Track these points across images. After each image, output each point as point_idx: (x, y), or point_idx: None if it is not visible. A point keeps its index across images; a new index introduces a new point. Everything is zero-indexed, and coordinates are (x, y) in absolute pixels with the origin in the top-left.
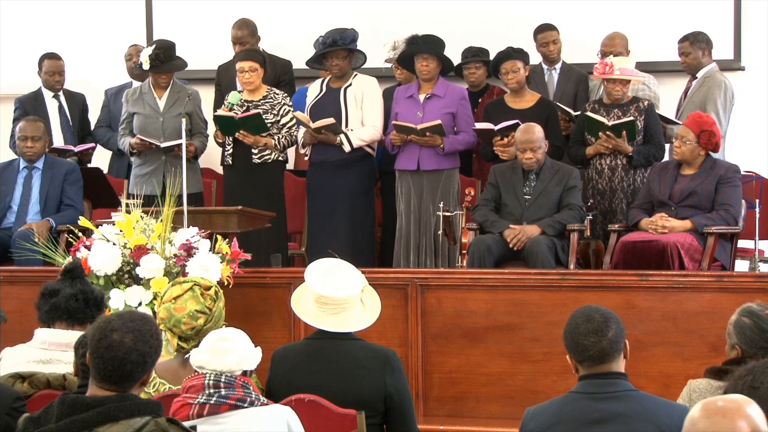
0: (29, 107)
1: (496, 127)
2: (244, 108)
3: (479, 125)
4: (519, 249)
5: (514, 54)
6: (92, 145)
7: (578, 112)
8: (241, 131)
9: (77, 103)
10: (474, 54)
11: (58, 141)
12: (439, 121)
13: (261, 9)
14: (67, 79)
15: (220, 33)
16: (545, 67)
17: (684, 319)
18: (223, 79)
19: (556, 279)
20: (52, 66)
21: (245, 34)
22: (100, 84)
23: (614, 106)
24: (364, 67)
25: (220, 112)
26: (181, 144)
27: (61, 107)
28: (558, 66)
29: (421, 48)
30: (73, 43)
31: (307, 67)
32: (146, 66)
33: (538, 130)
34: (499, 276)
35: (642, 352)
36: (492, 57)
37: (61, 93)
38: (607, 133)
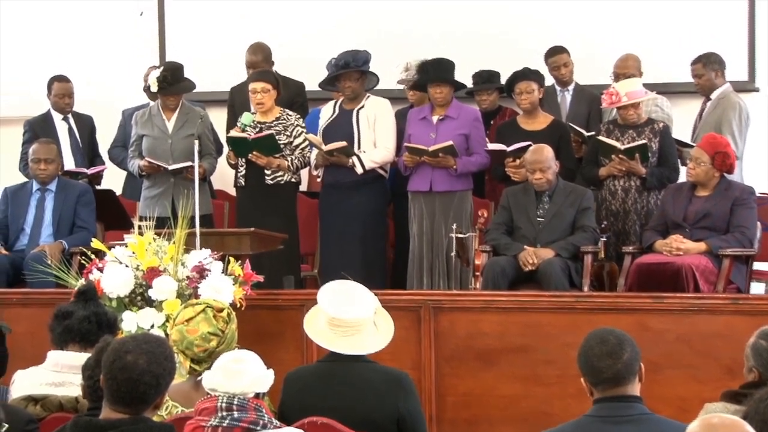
0: (39, 130)
1: (509, 149)
2: (257, 129)
3: (491, 146)
4: (533, 271)
5: (530, 75)
6: (103, 167)
7: (591, 133)
8: (254, 152)
9: (86, 124)
10: (485, 80)
11: (69, 163)
12: (450, 142)
13: (274, 30)
14: (77, 101)
15: (233, 54)
16: (558, 88)
17: (699, 342)
18: (236, 101)
19: (570, 301)
20: (61, 88)
21: (259, 60)
22: (111, 105)
23: (629, 127)
24: (376, 88)
25: (233, 133)
26: (189, 166)
27: (70, 129)
28: (571, 87)
29: (433, 77)
30: (84, 64)
31: (320, 89)
32: (154, 88)
33: (547, 151)
34: (513, 298)
35: (657, 374)
36: (503, 79)
37: (70, 115)
38: (620, 156)
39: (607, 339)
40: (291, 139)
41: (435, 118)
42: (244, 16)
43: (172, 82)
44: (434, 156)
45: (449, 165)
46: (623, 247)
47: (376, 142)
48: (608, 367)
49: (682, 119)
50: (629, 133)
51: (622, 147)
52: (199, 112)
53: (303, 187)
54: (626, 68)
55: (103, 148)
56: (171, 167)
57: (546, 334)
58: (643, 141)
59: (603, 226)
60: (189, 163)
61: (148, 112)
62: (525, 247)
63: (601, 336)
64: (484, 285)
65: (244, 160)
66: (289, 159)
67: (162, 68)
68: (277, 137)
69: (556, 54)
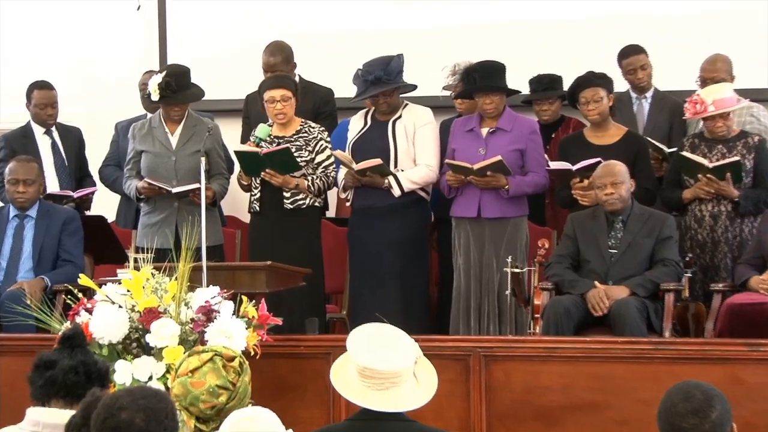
0: (17, 146)
1: (574, 167)
2: (275, 144)
3: (554, 165)
4: (603, 314)
5: (596, 80)
6: (92, 189)
7: (673, 149)
8: (267, 170)
9: (72, 139)
10: (546, 86)
11: (52, 184)
12: (499, 157)
13: (295, 28)
14: (63, 111)
15: (248, 55)
16: (633, 95)
17: None
18: (251, 111)
19: (647, 349)
20: (43, 97)
21: (278, 61)
22: (102, 116)
23: (718, 142)
24: (417, 95)
25: (243, 147)
26: (196, 188)
27: (54, 145)
28: (649, 94)
29: (480, 86)
30: (70, 68)
31: (349, 96)
32: (155, 96)
33: (621, 165)
34: (580, 345)
35: None
36: (566, 84)
37: (53, 128)
38: (708, 175)
39: (692, 394)
40: (313, 156)
41: (484, 131)
42: (260, 11)
43: (176, 89)
44: (482, 175)
45: (500, 185)
46: (712, 285)
47: (415, 158)
48: (693, 427)
49: None
50: (718, 148)
51: (710, 165)
52: (207, 123)
53: (329, 213)
54: (715, 71)
55: (93, 167)
56: (175, 190)
57: (619, 389)
58: (735, 158)
59: (687, 259)
60: (196, 185)
61: (147, 125)
62: (594, 284)
63: (686, 391)
64: (545, 329)
65: (258, 180)
66: (310, 179)
67: (164, 73)
68: (297, 153)
69: (631, 54)
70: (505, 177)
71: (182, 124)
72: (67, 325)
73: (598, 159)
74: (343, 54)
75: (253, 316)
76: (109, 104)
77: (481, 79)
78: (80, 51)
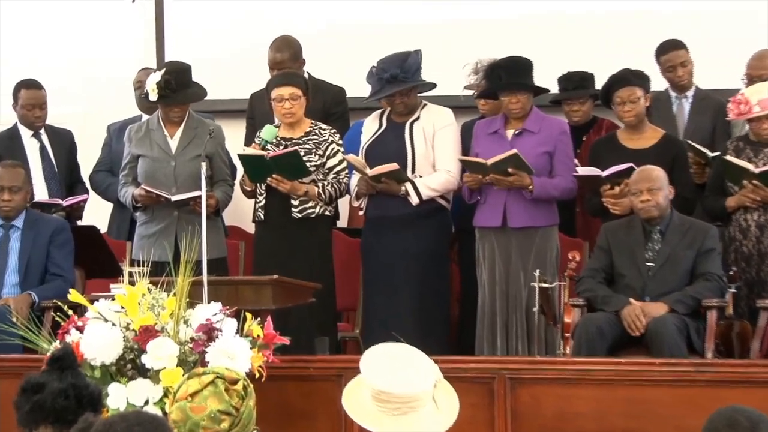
0: (2, 149)
1: (604, 173)
2: (282, 147)
3: (582, 170)
4: (640, 334)
5: (633, 79)
6: (84, 197)
7: (716, 153)
8: (273, 176)
9: (63, 142)
10: (576, 85)
11: (40, 191)
12: (514, 151)
13: (303, 22)
14: (53, 113)
15: (252, 52)
16: (673, 94)
17: None
18: (256, 111)
19: (688, 371)
20: (30, 97)
21: (286, 58)
22: (95, 117)
23: (764, 145)
24: (436, 94)
25: (248, 150)
26: (198, 196)
27: (43, 148)
28: (690, 93)
29: (506, 84)
30: (61, 66)
31: (361, 95)
32: (153, 96)
33: (658, 170)
34: (614, 367)
35: None
36: (598, 82)
37: (42, 130)
38: (754, 181)
39: (736, 420)
40: (324, 160)
41: (510, 133)
42: (264, 4)
43: (176, 88)
44: (503, 174)
45: (523, 185)
46: (758, 301)
47: (435, 163)
48: None
49: None
50: (765, 152)
51: (757, 170)
52: (209, 125)
53: (341, 223)
54: (762, 68)
55: (85, 173)
56: (174, 197)
57: (657, 415)
58: None
59: (732, 273)
60: (197, 193)
61: (145, 127)
62: (630, 300)
63: (730, 417)
64: (576, 350)
65: (263, 186)
66: (320, 185)
67: (163, 70)
68: (306, 157)
69: (671, 50)
70: (529, 176)
71: (182, 126)
72: (57, 344)
73: (631, 165)
74: (355, 50)
75: (258, 335)
76: (104, 105)
77: (507, 76)
78: (75, 49)
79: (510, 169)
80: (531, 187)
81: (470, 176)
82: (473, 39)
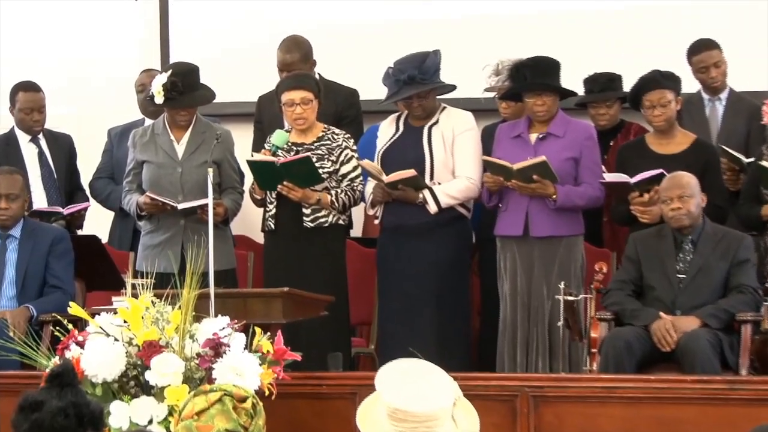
0: None
1: (633, 180)
2: (293, 153)
3: (609, 177)
4: (670, 349)
5: (663, 81)
6: (85, 205)
7: (751, 159)
8: (284, 183)
9: (62, 147)
10: (603, 87)
11: (39, 199)
12: (543, 158)
13: (313, 20)
14: (52, 116)
15: (261, 53)
16: (705, 96)
17: None
18: (264, 115)
19: (721, 389)
20: (28, 100)
21: (296, 59)
22: (97, 121)
23: None
24: (456, 97)
25: (258, 156)
26: (205, 205)
27: (41, 154)
28: (723, 95)
29: (531, 84)
30: (61, 67)
31: (375, 98)
32: (159, 99)
33: (689, 177)
34: (643, 384)
35: None
36: (626, 84)
37: (41, 135)
38: None
39: None
40: (337, 167)
41: (533, 137)
42: (272, 2)
43: (183, 90)
44: (526, 180)
45: (547, 193)
46: None
47: (454, 170)
48: None
49: None
50: None
51: None
52: (217, 129)
53: (355, 232)
54: None
55: (86, 179)
56: (181, 206)
57: None
58: None
59: (767, 285)
60: (205, 201)
61: (150, 131)
62: (660, 314)
63: None
64: (603, 366)
65: (273, 194)
66: (334, 193)
67: (169, 72)
68: (319, 164)
69: (703, 50)
70: (553, 184)
71: (189, 130)
72: (56, 360)
73: (661, 170)
74: (368, 49)
75: (267, 351)
76: (102, 107)
77: (532, 77)
78: (71, 49)
79: (534, 176)
80: (554, 196)
81: (491, 177)
82: (494, 38)
